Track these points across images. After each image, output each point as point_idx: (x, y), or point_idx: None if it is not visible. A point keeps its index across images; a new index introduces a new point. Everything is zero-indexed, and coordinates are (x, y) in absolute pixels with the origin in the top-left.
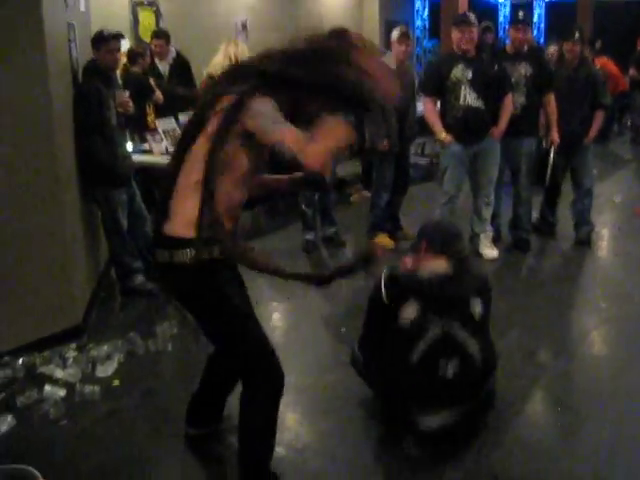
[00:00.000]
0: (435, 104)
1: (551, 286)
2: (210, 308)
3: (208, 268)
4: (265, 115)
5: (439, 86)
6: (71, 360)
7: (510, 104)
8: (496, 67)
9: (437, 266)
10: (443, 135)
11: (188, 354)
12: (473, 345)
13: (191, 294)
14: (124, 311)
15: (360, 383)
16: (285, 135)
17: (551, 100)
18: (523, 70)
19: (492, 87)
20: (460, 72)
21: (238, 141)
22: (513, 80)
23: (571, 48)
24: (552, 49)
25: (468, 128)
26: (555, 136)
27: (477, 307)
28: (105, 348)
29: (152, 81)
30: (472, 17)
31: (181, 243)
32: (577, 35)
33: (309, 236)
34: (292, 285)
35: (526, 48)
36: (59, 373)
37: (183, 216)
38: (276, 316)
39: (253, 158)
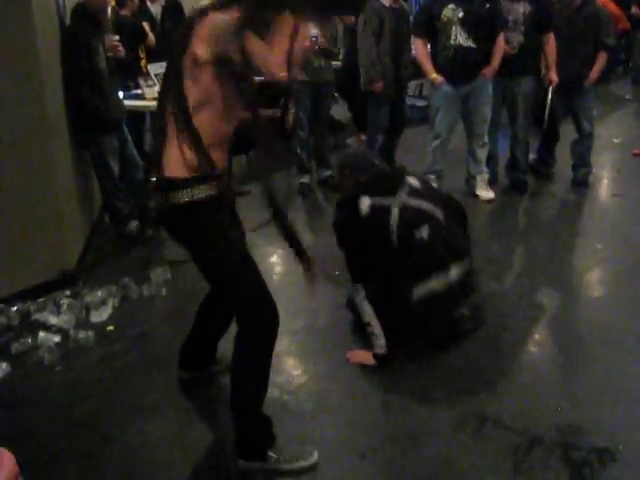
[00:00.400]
0: (426, 45)
1: (547, 228)
2: (207, 247)
3: (204, 207)
4: (225, 29)
5: (430, 27)
6: (65, 306)
7: (502, 43)
8: (487, 5)
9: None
10: (433, 75)
11: (182, 298)
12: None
13: (189, 234)
14: (118, 257)
15: (353, 327)
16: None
17: (550, 39)
18: (522, 8)
19: (483, 26)
20: (451, 12)
21: (210, 71)
22: (511, 18)
23: None
24: None
25: (459, 68)
26: (553, 76)
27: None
28: (99, 294)
29: (145, 25)
30: None
31: (175, 184)
32: None
33: (304, 179)
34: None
35: None
36: (53, 319)
37: (175, 157)
38: (269, 260)
39: (230, 87)
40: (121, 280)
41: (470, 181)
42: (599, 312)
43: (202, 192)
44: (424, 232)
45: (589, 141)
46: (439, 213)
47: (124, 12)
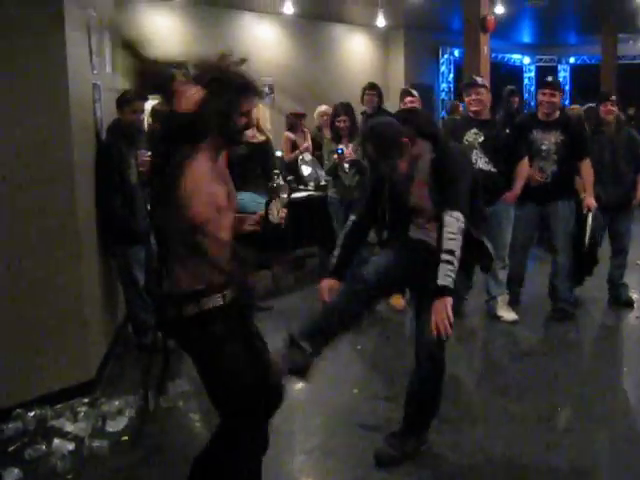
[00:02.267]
0: None
1: (573, 349)
2: (213, 360)
3: (217, 317)
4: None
5: None
6: (82, 414)
7: (525, 169)
8: (507, 131)
9: None
10: None
11: (198, 411)
12: None
13: (198, 345)
14: (138, 367)
15: (369, 444)
16: None
17: (586, 166)
18: (554, 138)
19: (504, 151)
20: (472, 136)
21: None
22: (544, 148)
23: (609, 109)
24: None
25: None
26: (591, 202)
27: None
28: (117, 403)
29: None
30: (480, 79)
31: (188, 296)
32: (613, 97)
33: None
34: None
35: (558, 114)
36: (69, 427)
37: (184, 270)
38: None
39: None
40: (139, 390)
41: (490, 302)
42: (621, 438)
43: (212, 302)
44: None
45: (625, 260)
46: None
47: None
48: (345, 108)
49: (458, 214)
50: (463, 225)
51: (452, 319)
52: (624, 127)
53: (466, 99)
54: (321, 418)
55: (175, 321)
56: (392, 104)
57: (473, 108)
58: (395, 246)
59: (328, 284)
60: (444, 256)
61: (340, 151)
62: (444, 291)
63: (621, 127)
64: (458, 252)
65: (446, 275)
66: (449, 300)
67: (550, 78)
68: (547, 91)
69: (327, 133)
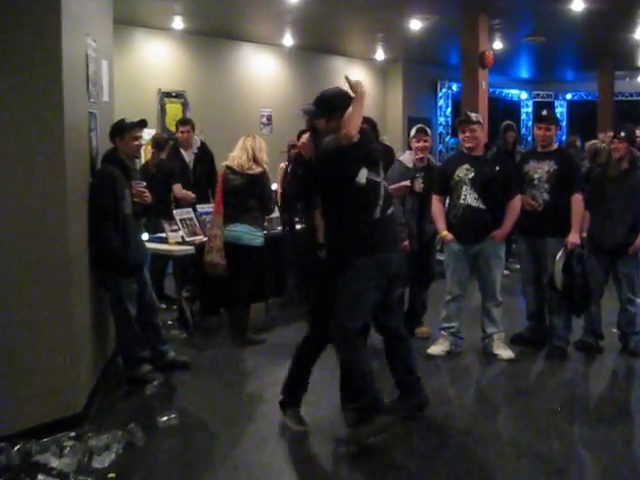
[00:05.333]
0: (441, 202)
1: (561, 390)
2: None
3: None
4: None
5: (445, 185)
6: (68, 449)
7: (517, 206)
8: (497, 168)
9: None
10: (444, 233)
11: (188, 448)
12: None
13: None
14: (127, 400)
15: None
16: None
17: (576, 200)
18: (547, 167)
19: (493, 188)
20: (464, 172)
21: None
22: (536, 177)
23: (616, 146)
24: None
25: (467, 227)
26: (572, 238)
27: None
28: (104, 438)
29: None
30: (474, 116)
31: None
32: (622, 134)
33: None
34: None
35: (555, 146)
36: (54, 462)
37: None
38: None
39: None
40: (128, 425)
41: (485, 340)
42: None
43: None
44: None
45: (633, 307)
46: None
47: (163, 156)
48: None
49: None
50: None
51: None
52: (638, 168)
53: (460, 135)
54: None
55: None
56: (390, 137)
57: (467, 145)
58: None
59: None
60: None
61: None
62: None
63: (633, 167)
64: None
65: None
66: None
67: (545, 112)
68: (542, 125)
69: None
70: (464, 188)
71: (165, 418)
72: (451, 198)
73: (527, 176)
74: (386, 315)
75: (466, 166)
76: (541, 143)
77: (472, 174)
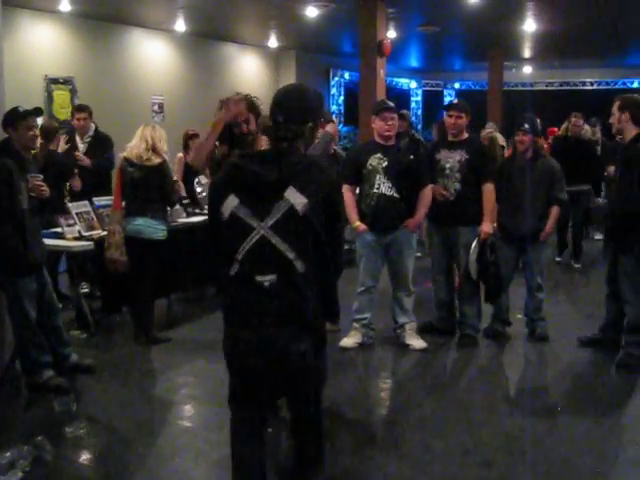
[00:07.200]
0: (353, 192)
1: (486, 378)
2: None
3: None
4: None
5: (356, 174)
6: None
7: (429, 196)
8: (411, 157)
9: None
10: (357, 223)
11: (102, 460)
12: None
13: None
14: (30, 410)
15: None
16: None
17: (488, 190)
18: (458, 156)
19: (406, 177)
20: (377, 161)
21: None
22: (448, 166)
23: (521, 139)
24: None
25: (381, 217)
26: (485, 227)
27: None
28: (8, 455)
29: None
30: (393, 105)
31: None
32: (526, 125)
33: None
34: None
35: (466, 135)
36: None
37: None
38: None
39: None
40: (34, 438)
41: (398, 330)
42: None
43: None
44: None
45: (541, 294)
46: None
47: (52, 147)
48: None
49: None
50: None
51: None
52: (542, 157)
53: (379, 123)
54: None
55: None
56: None
57: (386, 133)
58: None
59: None
60: None
61: None
62: None
63: (538, 156)
64: None
65: None
66: None
67: (456, 100)
68: (453, 113)
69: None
70: (377, 177)
71: (73, 428)
72: (363, 188)
73: (439, 165)
74: None
75: (378, 155)
76: (452, 131)
77: (385, 163)
